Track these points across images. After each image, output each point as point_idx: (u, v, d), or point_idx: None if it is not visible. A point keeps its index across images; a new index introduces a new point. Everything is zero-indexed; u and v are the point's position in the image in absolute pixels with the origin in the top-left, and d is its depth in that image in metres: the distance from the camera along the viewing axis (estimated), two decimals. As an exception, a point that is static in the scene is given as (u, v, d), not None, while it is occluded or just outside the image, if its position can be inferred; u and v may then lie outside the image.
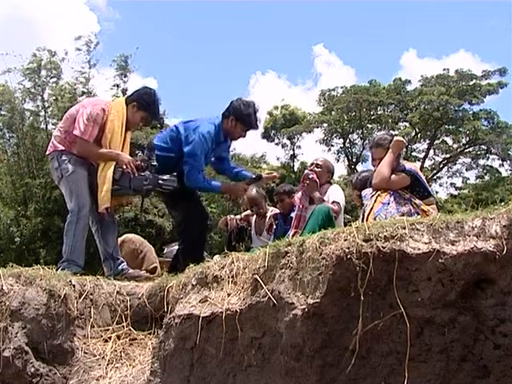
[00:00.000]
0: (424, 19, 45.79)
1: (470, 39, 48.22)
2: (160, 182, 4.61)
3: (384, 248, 2.56)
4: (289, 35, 50.98)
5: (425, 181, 4.38)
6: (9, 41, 30.76)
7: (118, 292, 3.91)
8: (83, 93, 16.76)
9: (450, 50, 61.49)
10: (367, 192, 4.31)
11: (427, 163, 26.59)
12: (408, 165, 4.35)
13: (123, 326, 3.79)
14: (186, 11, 55.00)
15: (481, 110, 25.32)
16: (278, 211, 5.91)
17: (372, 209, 4.06)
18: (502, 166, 26.17)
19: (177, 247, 5.27)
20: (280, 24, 51.34)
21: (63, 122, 4.70)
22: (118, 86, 17.23)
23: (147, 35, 51.57)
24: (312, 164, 5.50)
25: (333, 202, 5.08)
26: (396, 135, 4.80)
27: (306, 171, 5.33)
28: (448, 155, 26.80)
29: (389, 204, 4.01)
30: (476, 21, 46.06)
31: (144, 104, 4.75)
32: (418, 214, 3.91)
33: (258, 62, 53.56)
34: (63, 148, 4.58)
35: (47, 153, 4.73)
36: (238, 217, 6.13)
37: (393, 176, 4.16)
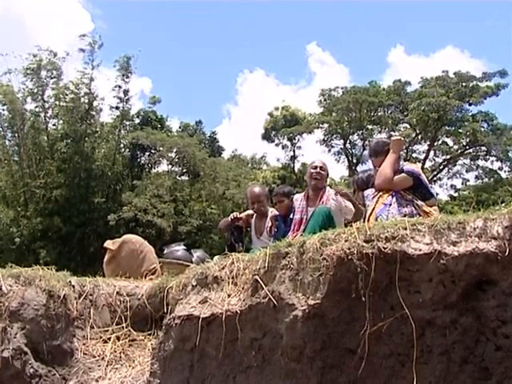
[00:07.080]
0: (411, 14, 45.43)
1: (457, 35, 47.61)
2: None
3: (385, 249, 2.55)
4: (281, 34, 50.46)
5: (427, 182, 4.37)
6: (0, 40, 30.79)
7: (117, 293, 3.90)
8: (86, 94, 16.78)
9: (438, 46, 60.99)
10: (369, 192, 4.30)
11: (427, 164, 26.56)
12: (410, 166, 4.33)
13: (123, 327, 3.79)
14: (173, 8, 54.10)
15: (480, 112, 25.32)
16: (277, 213, 5.89)
17: (374, 209, 4.04)
18: (502, 168, 26.16)
19: (177, 247, 5.25)
20: (272, 22, 50.87)
21: None
22: (119, 86, 17.32)
23: (135, 35, 50.87)
24: (316, 167, 5.46)
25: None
26: (393, 135, 4.79)
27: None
28: (448, 156, 26.79)
29: (391, 205, 3.99)
30: (464, 16, 45.69)
31: None
32: (420, 215, 3.88)
33: (246, 60, 53.03)
34: None
35: None
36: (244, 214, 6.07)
37: (395, 177, 4.15)
